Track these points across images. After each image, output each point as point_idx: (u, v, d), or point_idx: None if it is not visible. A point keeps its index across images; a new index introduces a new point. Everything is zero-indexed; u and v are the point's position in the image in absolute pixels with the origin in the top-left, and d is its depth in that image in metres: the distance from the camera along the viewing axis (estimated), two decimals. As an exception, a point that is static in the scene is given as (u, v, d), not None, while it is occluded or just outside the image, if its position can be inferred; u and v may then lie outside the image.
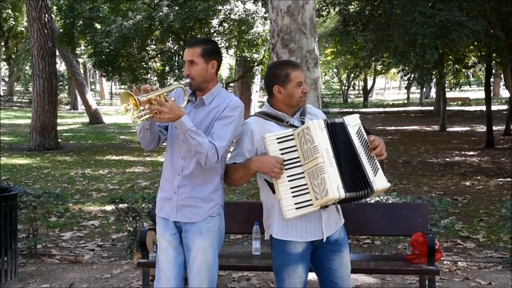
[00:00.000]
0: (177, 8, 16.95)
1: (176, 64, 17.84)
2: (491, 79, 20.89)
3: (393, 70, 26.77)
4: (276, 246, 3.12)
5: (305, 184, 2.89)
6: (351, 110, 32.82)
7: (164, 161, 3.28)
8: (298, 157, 2.92)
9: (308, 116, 3.11)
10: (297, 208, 2.90)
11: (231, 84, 26.31)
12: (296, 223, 3.03)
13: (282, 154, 2.93)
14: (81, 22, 18.99)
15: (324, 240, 3.06)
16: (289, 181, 2.91)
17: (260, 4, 17.17)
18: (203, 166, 3.06)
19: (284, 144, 2.95)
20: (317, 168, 2.82)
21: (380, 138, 3.06)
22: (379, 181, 2.91)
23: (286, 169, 2.92)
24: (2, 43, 39.97)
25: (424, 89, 45.33)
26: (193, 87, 3.14)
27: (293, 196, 2.90)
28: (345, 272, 3.16)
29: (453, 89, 23.77)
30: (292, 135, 2.95)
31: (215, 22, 17.08)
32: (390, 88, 72.25)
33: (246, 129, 3.10)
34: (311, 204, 2.88)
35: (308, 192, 2.88)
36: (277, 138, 2.96)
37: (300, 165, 2.91)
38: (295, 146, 2.93)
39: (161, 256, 3.20)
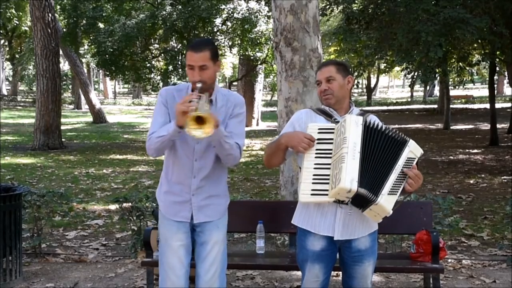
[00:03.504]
0: (180, 7, 16.97)
1: (179, 63, 17.85)
2: (495, 77, 20.85)
3: (397, 68, 26.71)
4: (298, 241, 3.19)
5: (328, 175, 2.91)
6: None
7: (169, 164, 3.24)
8: (331, 150, 2.95)
9: (366, 118, 3.06)
10: (312, 195, 2.92)
11: (235, 83, 26.32)
12: (312, 214, 3.08)
13: (317, 143, 2.96)
14: (85, 22, 19.03)
15: (335, 238, 3.05)
16: (315, 168, 2.94)
17: (263, 2, 17.19)
18: (220, 164, 3.17)
19: (323, 135, 2.98)
20: (340, 158, 2.84)
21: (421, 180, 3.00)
22: (386, 200, 2.86)
23: (316, 158, 2.96)
24: (6, 43, 40.14)
25: (428, 87, 45.21)
26: (203, 91, 3.11)
27: (313, 183, 2.92)
28: (364, 281, 3.17)
29: (457, 87, 23.74)
30: (333, 128, 2.99)
31: (218, 21, 17.10)
32: (393, 86, 72.15)
33: (295, 117, 3.23)
34: (326, 194, 2.89)
35: (328, 183, 2.89)
36: (319, 129, 3.01)
37: (330, 157, 2.94)
38: (332, 139, 2.97)
39: (170, 256, 3.19)
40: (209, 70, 3.09)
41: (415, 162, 2.98)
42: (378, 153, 2.90)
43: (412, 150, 2.97)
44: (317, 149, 2.96)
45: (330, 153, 2.94)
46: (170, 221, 3.22)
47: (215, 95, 3.18)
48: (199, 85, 3.06)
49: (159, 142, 3.07)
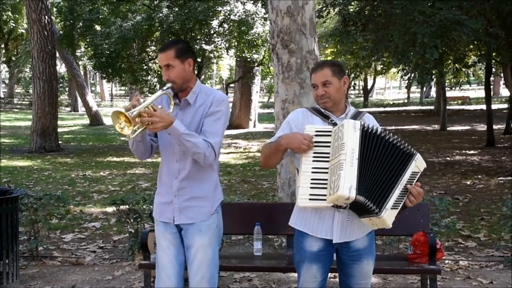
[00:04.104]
0: (177, 9, 16.95)
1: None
2: (491, 78, 20.88)
3: (393, 70, 26.77)
4: (295, 242, 3.19)
5: (326, 179, 2.90)
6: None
7: (160, 166, 3.30)
8: (328, 153, 2.94)
9: (363, 122, 3.03)
10: (310, 199, 2.92)
11: (232, 85, 26.30)
12: (310, 217, 3.08)
13: (315, 146, 2.96)
14: (81, 24, 18.99)
15: (334, 241, 3.06)
16: (312, 172, 2.93)
17: (260, 4, 17.17)
18: (201, 165, 3.12)
19: (320, 138, 2.97)
20: (338, 164, 2.84)
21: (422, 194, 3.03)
22: (389, 214, 2.89)
23: (313, 161, 2.95)
24: (2, 45, 40.02)
25: (424, 89, 45.32)
26: (175, 90, 3.14)
27: (311, 187, 2.92)
28: (363, 281, 3.17)
29: (453, 88, 23.73)
30: (330, 131, 2.98)
31: (215, 23, 17.08)
32: (390, 87, 72.26)
33: (291, 117, 3.21)
34: (325, 200, 2.89)
35: (326, 188, 2.89)
36: (316, 131, 3.00)
37: (328, 161, 2.93)
38: (329, 142, 2.96)
39: (161, 255, 3.22)
40: (175, 68, 3.11)
41: (418, 177, 2.99)
42: (379, 160, 2.89)
43: (418, 164, 2.97)
44: (314, 153, 2.95)
45: (328, 157, 2.94)
46: (158, 222, 3.27)
47: (195, 94, 3.18)
48: (168, 85, 3.09)
49: (131, 144, 3.17)
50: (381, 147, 2.91)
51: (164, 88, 3.09)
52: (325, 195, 2.89)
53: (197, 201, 3.18)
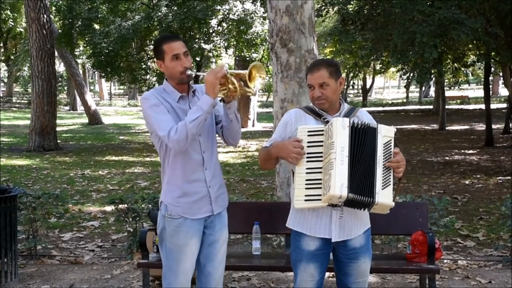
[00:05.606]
0: (175, 8, 16.96)
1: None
2: (490, 78, 20.91)
3: (392, 69, 26.78)
4: (292, 241, 3.18)
5: (320, 179, 2.90)
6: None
7: (177, 167, 3.12)
8: (322, 152, 2.93)
9: (353, 119, 3.00)
10: (305, 200, 2.92)
11: (230, 84, 26.21)
12: (307, 217, 3.07)
13: (308, 147, 2.95)
14: (80, 23, 19.01)
15: (333, 240, 3.05)
16: (307, 173, 2.93)
17: (258, 3, 17.19)
18: (233, 145, 3.37)
19: (312, 137, 2.96)
20: (329, 163, 2.84)
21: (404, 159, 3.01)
22: (384, 195, 2.87)
23: (307, 162, 2.94)
24: (1, 44, 39.98)
25: (423, 88, 45.35)
26: (190, 80, 3.15)
27: (306, 188, 2.92)
28: (361, 279, 3.16)
29: (452, 87, 23.80)
30: (322, 130, 2.97)
31: (214, 22, 17.10)
32: (389, 87, 72.30)
33: (284, 118, 3.20)
34: (320, 199, 2.89)
35: (321, 187, 2.89)
36: (308, 131, 2.98)
37: (321, 160, 2.93)
38: (322, 141, 2.95)
39: (185, 261, 3.14)
40: (189, 56, 3.15)
41: (393, 143, 2.97)
42: (363, 152, 2.90)
43: (384, 134, 2.95)
44: (308, 153, 2.95)
45: (321, 156, 2.93)
46: (191, 222, 3.13)
47: (193, 87, 3.21)
48: (189, 72, 3.09)
49: (196, 125, 2.95)
50: (369, 141, 2.91)
51: (189, 74, 3.10)
52: (320, 195, 2.89)
53: (222, 188, 3.27)
